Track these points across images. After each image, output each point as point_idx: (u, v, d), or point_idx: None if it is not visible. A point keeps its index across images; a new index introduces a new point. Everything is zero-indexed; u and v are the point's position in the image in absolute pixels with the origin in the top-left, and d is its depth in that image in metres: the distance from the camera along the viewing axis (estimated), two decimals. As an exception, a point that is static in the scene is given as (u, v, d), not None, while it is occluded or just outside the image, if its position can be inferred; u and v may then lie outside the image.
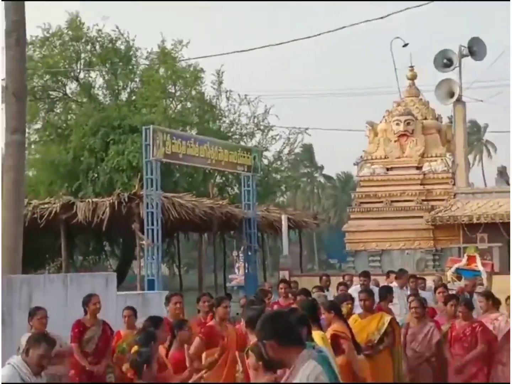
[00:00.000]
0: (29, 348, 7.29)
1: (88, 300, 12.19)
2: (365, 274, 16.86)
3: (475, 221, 26.83)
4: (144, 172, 22.27)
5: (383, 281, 17.68)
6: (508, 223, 26.67)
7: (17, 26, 17.75)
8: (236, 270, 34.91)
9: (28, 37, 20.64)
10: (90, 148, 31.09)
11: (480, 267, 20.08)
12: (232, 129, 36.07)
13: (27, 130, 23.73)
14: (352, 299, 12.96)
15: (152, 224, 21.87)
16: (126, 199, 22.98)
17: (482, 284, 17.77)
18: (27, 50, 21.13)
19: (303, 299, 11.56)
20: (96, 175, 31.22)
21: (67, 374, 11.07)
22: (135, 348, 8.86)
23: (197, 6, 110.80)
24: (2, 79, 21.40)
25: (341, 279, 17.91)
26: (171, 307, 11.67)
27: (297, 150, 44.17)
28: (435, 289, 15.71)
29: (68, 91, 35.42)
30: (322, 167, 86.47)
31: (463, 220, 27.06)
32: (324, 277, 17.28)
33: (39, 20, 33.68)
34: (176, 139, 23.59)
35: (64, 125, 33.86)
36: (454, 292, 15.40)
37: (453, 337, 12.23)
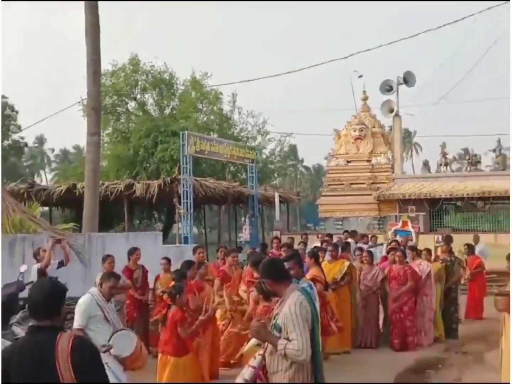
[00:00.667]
0: (102, 282, 7.27)
1: (133, 252, 12.13)
2: (329, 235, 16.85)
3: (407, 197, 26.76)
4: (181, 163, 22.31)
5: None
6: (429, 199, 26.65)
7: (94, 62, 17.69)
8: (243, 231, 34.78)
9: (102, 70, 20.56)
10: (144, 146, 31.06)
11: (410, 229, 20.02)
12: (241, 134, 36.00)
13: (101, 134, 23.67)
14: (324, 250, 12.96)
15: (186, 199, 21.90)
16: (169, 182, 23.04)
17: (411, 240, 17.72)
18: (101, 79, 21.05)
19: (289, 251, 11.57)
20: (148, 165, 31.14)
21: (126, 301, 11.07)
22: (172, 283, 8.85)
23: (220, 46, 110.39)
24: (84, 99, 21.40)
25: (315, 237, 17.96)
26: (196, 255, 11.66)
27: (286, 149, 44.34)
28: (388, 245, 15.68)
29: (129, 108, 35.38)
30: (302, 160, 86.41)
31: (399, 197, 26.99)
32: (303, 235, 17.27)
33: (110, 57, 33.90)
34: (203, 140, 23.75)
35: (126, 130, 33.80)
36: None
37: (391, 276, 12.27)
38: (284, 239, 18.28)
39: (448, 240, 15.10)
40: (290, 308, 4.71)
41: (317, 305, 6.84)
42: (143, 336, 11.01)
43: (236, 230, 31.95)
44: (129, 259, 12.04)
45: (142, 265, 12.21)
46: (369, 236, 18.29)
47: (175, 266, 10.81)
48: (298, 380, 4.73)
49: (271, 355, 4.79)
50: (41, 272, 10.62)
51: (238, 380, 4.97)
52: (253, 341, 5.44)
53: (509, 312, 8.85)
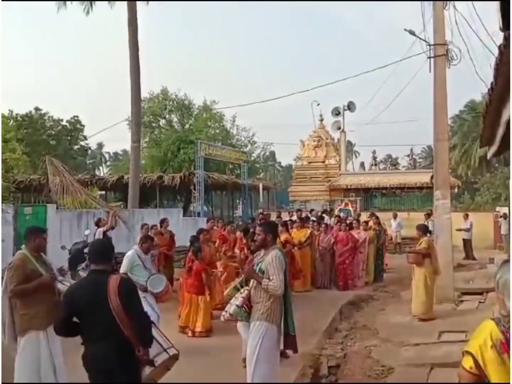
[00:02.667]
0: (142, 243, 7.23)
1: (163, 221, 12.07)
2: (299, 210, 16.79)
3: (349, 187, 26.71)
4: (196, 162, 22.27)
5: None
6: (364, 188, 26.68)
7: (135, 92, 17.51)
8: (238, 209, 34.65)
9: (142, 97, 20.37)
10: (171, 151, 30.74)
11: (350, 208, 20.10)
12: (237, 143, 35.83)
13: (141, 142, 23.51)
14: (292, 222, 12.89)
15: (199, 186, 21.81)
16: (187, 175, 22.87)
17: (351, 216, 17.74)
18: (142, 103, 20.90)
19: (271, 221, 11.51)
20: (173, 163, 30.83)
21: (157, 255, 10.99)
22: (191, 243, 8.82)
23: (223, 81, 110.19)
24: (129, 117, 21.28)
25: (287, 213, 17.85)
26: (209, 225, 11.58)
27: (267, 153, 44.35)
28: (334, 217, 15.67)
29: (160, 124, 35.04)
30: (279, 162, 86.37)
31: (343, 187, 26.93)
32: (278, 212, 17.26)
33: (148, 88, 33.70)
34: (211, 147, 23.69)
35: (158, 139, 33.45)
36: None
37: (338, 240, 12.24)
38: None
39: (373, 215, 15.22)
40: (272, 258, 4.74)
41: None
42: (169, 279, 11.00)
43: (233, 208, 31.85)
44: (161, 226, 11.99)
45: (170, 230, 12.16)
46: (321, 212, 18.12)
47: (192, 232, 10.73)
48: (274, 308, 4.73)
49: (255, 290, 4.80)
50: (104, 234, 10.63)
51: (231, 306, 4.96)
52: (233, 285, 5.48)
53: (417, 265, 8.93)
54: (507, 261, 2.55)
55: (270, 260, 4.73)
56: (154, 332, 3.99)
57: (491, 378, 2.40)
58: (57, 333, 4.04)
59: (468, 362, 2.48)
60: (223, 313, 5.05)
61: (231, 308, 4.93)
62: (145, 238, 7.48)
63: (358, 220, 13.74)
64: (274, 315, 4.72)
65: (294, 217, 14.74)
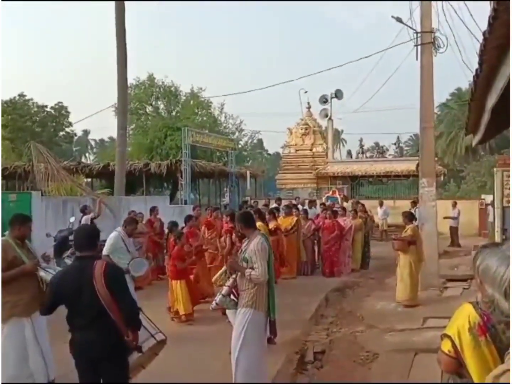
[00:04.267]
0: (126, 225, 7.20)
1: (153, 209, 12.07)
2: (279, 199, 16.79)
3: (336, 175, 26.79)
4: (183, 149, 22.13)
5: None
6: (351, 176, 26.79)
7: (122, 78, 17.26)
8: (225, 196, 34.61)
9: (128, 83, 20.15)
10: (158, 138, 30.57)
11: (337, 196, 20.16)
12: (224, 130, 35.73)
13: (127, 129, 23.32)
14: (278, 210, 12.89)
15: (186, 174, 21.71)
16: (174, 162, 22.72)
17: (338, 204, 17.81)
18: (128, 89, 20.69)
19: (257, 209, 11.53)
20: (160, 150, 30.68)
21: (144, 243, 10.95)
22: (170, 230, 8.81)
23: (212, 68, 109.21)
24: (115, 103, 21.08)
25: (273, 202, 17.86)
26: (195, 212, 11.58)
27: (255, 141, 44.30)
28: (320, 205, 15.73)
29: (147, 111, 34.80)
30: (266, 150, 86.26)
31: (330, 174, 27.00)
32: (265, 200, 17.28)
33: (134, 74, 33.39)
34: (198, 134, 23.51)
35: (145, 126, 33.21)
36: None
37: (324, 227, 12.28)
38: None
39: (358, 203, 15.32)
40: (255, 246, 4.75)
41: None
42: (160, 267, 11.05)
43: (220, 196, 31.78)
44: (151, 214, 11.97)
45: (160, 218, 12.14)
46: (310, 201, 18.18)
47: (178, 219, 10.69)
48: (259, 295, 4.77)
49: (241, 278, 4.83)
50: (91, 221, 10.62)
51: (217, 296, 4.99)
52: (220, 271, 5.52)
53: (402, 252, 9.02)
54: (485, 246, 2.57)
55: (253, 248, 4.75)
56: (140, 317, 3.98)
57: (467, 361, 2.42)
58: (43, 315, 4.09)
59: (446, 346, 2.49)
60: (218, 295, 5.08)
61: (217, 297, 4.96)
62: (130, 220, 7.45)
63: (343, 208, 13.80)
64: (259, 302, 4.75)
65: (273, 204, 14.78)
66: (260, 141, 74.39)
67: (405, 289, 8.85)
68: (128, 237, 7.09)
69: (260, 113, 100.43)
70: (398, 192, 26.67)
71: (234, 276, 4.91)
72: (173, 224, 9.01)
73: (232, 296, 4.86)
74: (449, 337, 2.49)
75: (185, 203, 21.30)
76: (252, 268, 4.70)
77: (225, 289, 4.89)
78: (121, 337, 3.70)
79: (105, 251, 6.81)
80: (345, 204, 17.38)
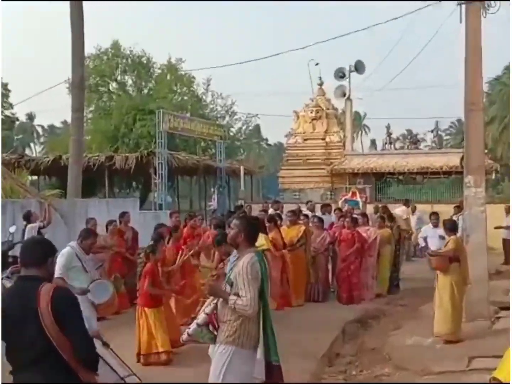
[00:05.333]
0: (82, 239, 7.21)
1: (124, 215, 12.09)
2: (276, 202, 16.84)
3: (356, 171, 26.86)
4: (157, 138, 22.19)
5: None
6: (375, 173, 26.88)
7: (78, 45, 17.33)
8: (212, 200, 34.67)
9: (86, 53, 20.18)
10: (124, 123, 30.68)
11: (358, 199, 20.24)
12: (211, 114, 35.81)
13: (85, 111, 23.34)
14: (281, 217, 12.94)
15: (161, 170, 21.78)
16: (146, 155, 22.79)
17: (359, 209, 17.86)
18: (86, 61, 20.72)
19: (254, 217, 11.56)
20: (128, 140, 30.79)
21: (106, 259, 10.95)
22: (150, 242, 8.82)
23: (195, 34, 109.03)
24: (69, 78, 21.14)
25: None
26: (172, 220, 11.59)
27: (250, 128, 44.29)
28: (334, 211, 15.77)
29: (110, 88, 34.88)
30: (266, 139, 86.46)
31: (349, 171, 27.08)
32: (264, 204, 17.32)
33: (94, 42, 33.49)
34: (176, 118, 23.62)
35: (108, 108, 33.31)
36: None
37: (341, 239, 12.38)
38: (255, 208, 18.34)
39: (386, 209, 15.40)
40: (243, 266, 4.70)
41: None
42: (131, 290, 11.04)
43: (205, 199, 31.80)
44: (120, 222, 11.99)
45: (132, 227, 12.15)
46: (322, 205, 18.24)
47: (151, 229, 10.71)
48: (244, 329, 4.74)
49: (223, 306, 4.80)
50: (39, 231, 10.63)
51: (192, 324, 5.00)
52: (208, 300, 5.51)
53: (441, 271, 9.04)
54: None
55: (240, 269, 4.70)
56: (108, 355, 3.99)
57: None
58: None
59: None
60: (193, 323, 5.09)
61: (191, 326, 4.97)
62: (86, 234, 7.46)
63: (366, 214, 13.86)
64: (244, 338, 4.71)
65: (271, 210, 14.82)
66: (258, 128, 74.63)
67: (445, 320, 8.87)
68: (86, 253, 7.11)
69: (258, 91, 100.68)
70: (436, 194, 26.84)
71: (215, 301, 4.90)
72: (157, 235, 8.98)
73: (211, 327, 4.86)
74: (499, 381, 2.51)
75: (160, 208, 21.35)
76: (237, 294, 4.68)
77: (201, 317, 4.89)
78: (75, 379, 3.70)
79: (57, 271, 6.82)
80: (368, 208, 17.46)
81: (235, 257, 5.02)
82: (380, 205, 17.81)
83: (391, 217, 14.29)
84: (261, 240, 9.59)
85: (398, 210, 18.85)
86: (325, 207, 16.10)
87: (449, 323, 8.85)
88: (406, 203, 20.10)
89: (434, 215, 12.62)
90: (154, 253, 8.01)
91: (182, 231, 10.83)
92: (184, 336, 5.02)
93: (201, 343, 5.12)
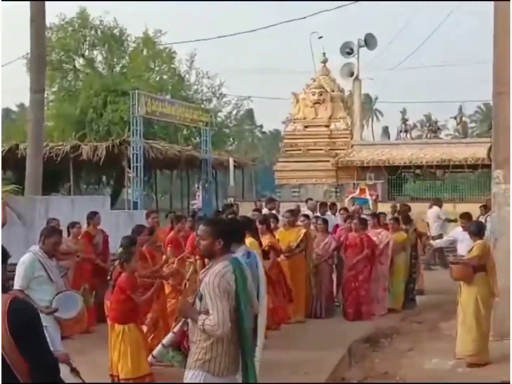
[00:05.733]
0: (44, 238, 7.17)
1: (93, 216, 12.06)
2: (271, 200, 16.82)
3: (365, 164, 26.98)
4: (131, 124, 22.19)
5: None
6: (388, 166, 26.96)
7: (38, 14, 17.27)
8: (196, 197, 34.67)
9: (47, 24, 20.13)
10: (93, 106, 30.70)
11: (368, 196, 20.27)
12: (195, 96, 35.84)
13: (46, 92, 23.27)
14: (277, 218, 12.94)
15: (136, 162, 21.78)
16: (118, 144, 22.79)
17: (369, 209, 17.91)
18: (47, 33, 20.66)
19: (243, 217, 11.54)
20: (97, 126, 30.81)
21: (71, 268, 10.93)
22: (120, 249, 8.81)
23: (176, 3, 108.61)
24: (27, 53, 21.11)
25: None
26: (150, 221, 11.57)
27: (242, 112, 44.34)
28: (339, 211, 15.78)
29: (77, 64, 34.83)
30: (260, 126, 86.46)
31: (357, 164, 27.19)
32: (258, 202, 17.33)
33: (57, 10, 33.28)
34: (155, 101, 23.60)
35: (74, 89, 33.30)
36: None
37: (347, 245, 12.39)
38: (241, 206, 18.34)
39: (407, 207, 15.40)
40: (210, 278, 4.66)
41: (261, 272, 6.86)
42: (103, 304, 10.99)
43: (188, 196, 31.84)
44: (88, 224, 11.95)
45: (102, 229, 12.13)
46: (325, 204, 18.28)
47: (125, 232, 10.70)
48: (216, 352, 4.72)
49: (193, 324, 4.79)
50: None
51: (159, 345, 5.03)
52: None
53: (465, 281, 9.05)
54: None
55: (207, 281, 4.66)
56: (72, 379, 3.98)
57: None
58: None
59: None
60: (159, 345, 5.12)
61: (158, 347, 5.01)
62: (49, 230, 7.42)
63: (377, 215, 13.86)
64: (217, 362, 4.69)
65: (265, 210, 14.82)
66: (251, 113, 74.75)
67: (469, 339, 8.90)
68: (50, 258, 7.08)
69: (251, 69, 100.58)
70: (460, 191, 26.98)
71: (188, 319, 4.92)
72: (129, 240, 8.96)
73: (182, 349, 4.88)
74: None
75: (135, 207, 21.33)
76: (208, 311, 4.65)
77: (168, 337, 4.93)
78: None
79: (17, 283, 6.77)
80: (382, 208, 17.49)
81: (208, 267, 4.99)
82: (397, 204, 17.74)
83: (408, 218, 14.30)
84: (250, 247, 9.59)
85: (431, 212, 18.66)
86: (324, 207, 16.12)
87: (473, 342, 8.86)
88: (438, 202, 19.66)
89: (465, 216, 12.23)
90: (130, 261, 7.99)
91: (158, 236, 10.78)
92: (149, 358, 5.07)
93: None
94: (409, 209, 15.53)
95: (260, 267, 6.87)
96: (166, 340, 4.91)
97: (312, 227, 12.85)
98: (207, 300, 4.65)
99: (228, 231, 5.05)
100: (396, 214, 14.95)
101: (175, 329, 4.94)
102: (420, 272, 14.54)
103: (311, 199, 18.42)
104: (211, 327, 4.58)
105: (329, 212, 16.67)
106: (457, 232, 12.26)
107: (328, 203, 17.15)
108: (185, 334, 4.88)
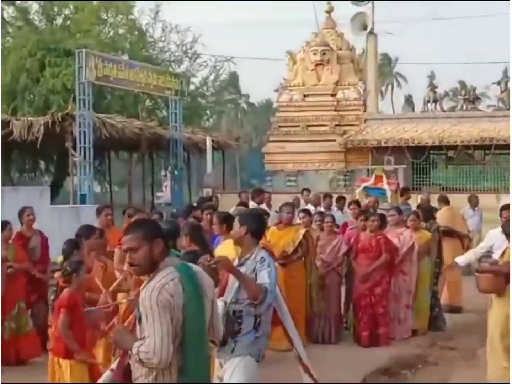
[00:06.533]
0: None
1: (22, 212, 12.02)
2: (259, 192, 16.85)
3: (382, 144, 27.05)
4: (77, 93, 22.13)
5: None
6: (412, 147, 27.01)
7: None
8: (164, 188, 34.65)
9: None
10: (26, 70, 30.60)
11: (386, 186, 20.33)
12: (161, 56, 35.80)
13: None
14: (267, 214, 12.99)
15: (84, 143, 21.77)
16: (60, 119, 22.68)
17: (387, 202, 17.96)
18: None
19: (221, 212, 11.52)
20: (33, 95, 30.77)
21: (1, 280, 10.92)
22: (60, 257, 8.81)
23: None
24: None
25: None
26: (102, 218, 11.59)
27: (223, 77, 44.23)
28: (349, 205, 15.81)
29: (5, 15, 34.66)
30: (246, 95, 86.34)
31: (372, 144, 27.26)
32: (243, 194, 17.32)
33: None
34: (108, 62, 23.53)
35: (2, 47, 33.14)
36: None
37: (360, 248, 12.41)
38: (221, 200, 18.37)
39: (446, 199, 15.51)
40: (147, 293, 4.62)
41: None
42: (43, 325, 11.01)
43: (153, 187, 31.87)
44: (21, 223, 11.90)
45: (40, 230, 12.09)
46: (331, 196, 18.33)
47: (70, 233, 10.70)
48: None
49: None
50: None
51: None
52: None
53: (496, 294, 9.10)
54: None
55: (144, 296, 4.62)
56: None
57: None
58: None
59: None
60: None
61: None
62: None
63: (399, 209, 13.87)
64: None
65: (252, 204, 14.91)
66: (234, 78, 74.64)
67: (498, 366, 8.99)
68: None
69: (234, 22, 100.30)
70: (506, 179, 26.98)
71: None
72: (70, 244, 8.97)
73: None
74: None
75: (83, 201, 21.31)
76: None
77: (104, 376, 5.04)
78: None
79: None
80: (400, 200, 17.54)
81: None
82: (429, 193, 17.75)
83: (430, 213, 14.37)
84: (226, 249, 9.61)
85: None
86: (329, 199, 16.15)
87: (503, 370, 8.90)
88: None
89: (506, 211, 12.09)
90: (78, 274, 7.98)
91: (112, 238, 10.76)
92: None
93: None
94: (447, 199, 15.63)
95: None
96: (102, 379, 4.94)
97: (314, 225, 12.91)
98: (144, 319, 4.61)
99: (164, 235, 4.97)
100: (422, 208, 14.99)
101: (113, 366, 4.96)
102: (444, 283, 14.61)
103: (308, 190, 18.50)
104: (146, 354, 4.53)
105: (335, 207, 16.78)
106: (492, 236, 11.98)
107: (334, 196, 17.25)
108: (127, 370, 4.85)
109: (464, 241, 15.49)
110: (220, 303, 6.11)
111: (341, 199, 16.88)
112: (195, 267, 5.06)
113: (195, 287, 4.74)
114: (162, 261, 4.77)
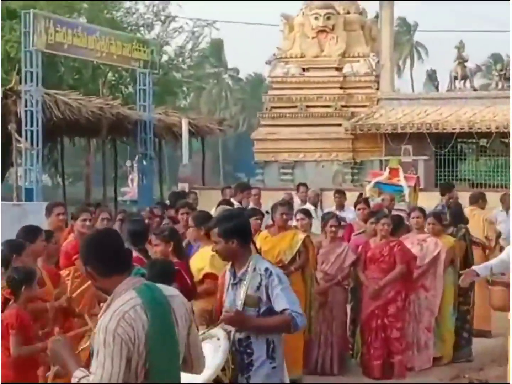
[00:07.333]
0: None
1: None
2: (245, 187, 16.96)
3: (399, 130, 27.05)
4: (23, 64, 22.10)
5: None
6: (435, 134, 27.05)
7: None
8: (130, 182, 34.77)
9: None
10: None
11: (402, 182, 20.35)
12: (128, 19, 35.82)
13: None
14: (262, 214, 12.99)
15: (32, 125, 21.72)
16: (4, 94, 22.65)
17: (404, 201, 18.00)
18: None
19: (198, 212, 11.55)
20: (-33, 68, 30.78)
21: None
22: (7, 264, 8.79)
23: None
24: None
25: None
26: (53, 218, 11.61)
27: (203, 45, 44.04)
28: (355, 205, 15.82)
29: None
30: (232, 69, 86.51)
31: (386, 129, 27.27)
32: (227, 190, 17.35)
33: None
34: (61, 27, 23.42)
35: None
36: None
37: (369, 258, 12.42)
38: (200, 196, 18.38)
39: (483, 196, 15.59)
40: (102, 322, 4.60)
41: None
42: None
43: (115, 181, 31.86)
44: None
45: None
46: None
47: (13, 235, 10.71)
48: None
49: None
50: None
51: None
52: None
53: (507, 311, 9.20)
54: None
55: (98, 326, 4.62)
56: None
57: None
58: None
59: None
60: None
61: None
62: None
63: (423, 210, 13.87)
64: None
65: (235, 203, 14.99)
66: (217, 46, 74.64)
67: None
68: None
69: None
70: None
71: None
72: (11, 248, 8.97)
73: None
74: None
75: (29, 197, 21.30)
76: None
77: None
78: None
79: None
80: (422, 199, 17.59)
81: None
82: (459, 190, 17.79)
83: (460, 216, 14.41)
84: (202, 259, 9.60)
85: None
86: (341, 196, 16.18)
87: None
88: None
89: None
90: (30, 286, 7.98)
91: (58, 245, 10.77)
92: None
93: None
94: (483, 196, 15.72)
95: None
96: None
97: (314, 229, 12.94)
98: (94, 354, 4.60)
99: (119, 252, 4.87)
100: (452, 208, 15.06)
101: None
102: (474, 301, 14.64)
103: (304, 185, 18.49)
104: None
105: (351, 207, 16.82)
106: None
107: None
108: None
109: (484, 250, 15.55)
110: (220, 333, 6.16)
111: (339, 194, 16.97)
112: (164, 288, 4.93)
113: (162, 314, 4.69)
114: (118, 283, 4.73)
